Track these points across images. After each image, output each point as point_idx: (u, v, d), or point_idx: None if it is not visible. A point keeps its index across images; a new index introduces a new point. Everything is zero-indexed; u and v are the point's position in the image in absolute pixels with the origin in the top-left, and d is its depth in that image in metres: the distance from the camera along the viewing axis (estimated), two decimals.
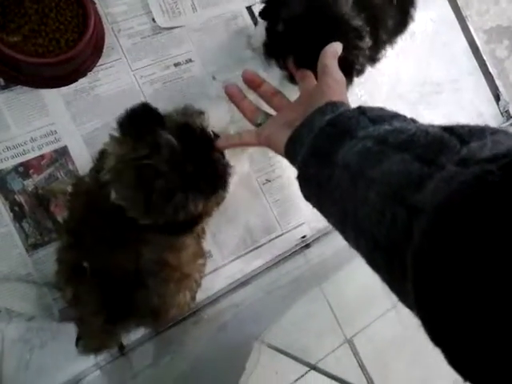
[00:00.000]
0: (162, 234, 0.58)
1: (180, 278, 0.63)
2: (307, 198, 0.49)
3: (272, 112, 0.63)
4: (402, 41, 0.84)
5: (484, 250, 0.23)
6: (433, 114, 0.96)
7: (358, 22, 0.63)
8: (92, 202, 0.57)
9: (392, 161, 0.36)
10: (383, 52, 0.78)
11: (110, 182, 0.55)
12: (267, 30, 0.73)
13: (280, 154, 0.57)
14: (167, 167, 0.54)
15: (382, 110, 0.47)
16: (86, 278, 0.57)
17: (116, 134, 0.58)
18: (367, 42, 0.69)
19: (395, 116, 0.45)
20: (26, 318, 0.63)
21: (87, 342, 0.60)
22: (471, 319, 0.23)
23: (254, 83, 0.62)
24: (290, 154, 0.53)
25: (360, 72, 0.78)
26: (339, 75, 0.56)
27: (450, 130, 0.35)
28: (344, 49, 0.62)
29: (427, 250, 0.27)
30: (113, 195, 0.54)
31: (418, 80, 0.97)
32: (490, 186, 0.24)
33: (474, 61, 1.03)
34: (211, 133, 0.61)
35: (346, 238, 0.43)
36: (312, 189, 0.48)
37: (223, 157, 0.61)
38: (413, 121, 0.44)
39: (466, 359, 0.24)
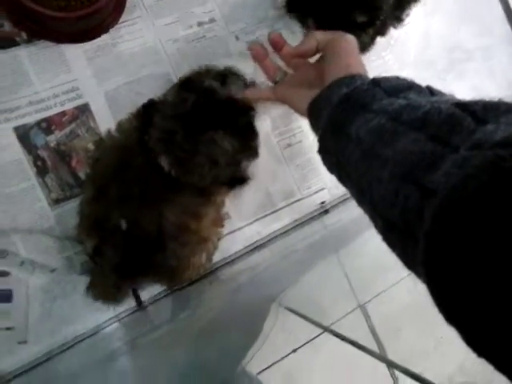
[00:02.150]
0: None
1: (198, 241, 0.64)
2: (330, 170, 0.51)
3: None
4: (435, 3, 0.81)
5: (494, 235, 0.23)
6: (462, 83, 0.93)
7: None
8: (124, 158, 0.58)
9: (406, 140, 0.36)
10: (408, 12, 0.76)
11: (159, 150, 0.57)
12: None
13: (294, 110, 0.59)
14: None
15: (397, 79, 0.47)
16: (110, 233, 0.58)
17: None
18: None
19: (411, 87, 0.45)
20: (48, 270, 0.65)
21: (96, 292, 0.62)
22: (482, 299, 0.24)
23: (278, 45, 0.63)
24: (311, 126, 0.55)
25: (382, 32, 0.76)
26: (350, 36, 0.57)
27: (463, 106, 0.34)
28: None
29: (438, 234, 0.27)
30: (165, 164, 0.57)
31: (447, 45, 0.93)
32: (503, 172, 0.24)
33: (509, 28, 0.99)
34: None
35: (365, 212, 0.43)
36: (332, 162, 0.49)
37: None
38: (430, 90, 0.43)
39: (479, 336, 0.25)
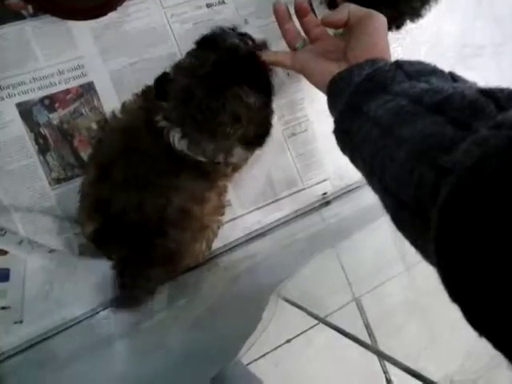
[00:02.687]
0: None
1: (199, 228, 0.63)
2: (343, 150, 0.50)
3: None
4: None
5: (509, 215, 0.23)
6: (470, 76, 0.91)
7: None
8: (130, 140, 0.57)
9: (425, 122, 0.35)
10: (428, 7, 0.75)
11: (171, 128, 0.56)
12: None
13: (311, 81, 0.58)
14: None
15: (420, 63, 0.46)
16: (111, 216, 0.57)
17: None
18: None
19: (434, 71, 0.44)
20: (47, 250, 0.64)
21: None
22: (491, 277, 0.24)
23: (303, 11, 0.62)
24: (329, 105, 0.54)
25: (398, 27, 0.75)
26: (383, 17, 0.55)
27: (487, 93, 0.34)
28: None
29: (453, 209, 0.27)
30: (175, 141, 0.55)
31: (459, 41, 0.92)
32: None
33: None
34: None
35: (374, 192, 0.43)
36: (346, 142, 0.48)
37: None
38: (452, 76, 0.43)
39: (484, 315, 0.25)
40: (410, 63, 0.46)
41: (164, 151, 0.56)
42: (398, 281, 0.87)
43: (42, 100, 0.66)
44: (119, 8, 0.70)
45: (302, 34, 0.64)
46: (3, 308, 0.62)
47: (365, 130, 0.43)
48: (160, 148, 0.56)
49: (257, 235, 0.78)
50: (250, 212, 0.78)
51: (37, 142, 0.65)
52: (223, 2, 0.77)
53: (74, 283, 0.65)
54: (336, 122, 0.49)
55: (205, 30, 0.74)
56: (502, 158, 0.25)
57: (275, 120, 0.78)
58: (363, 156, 0.44)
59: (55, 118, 0.66)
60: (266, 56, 0.61)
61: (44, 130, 0.65)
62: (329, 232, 0.80)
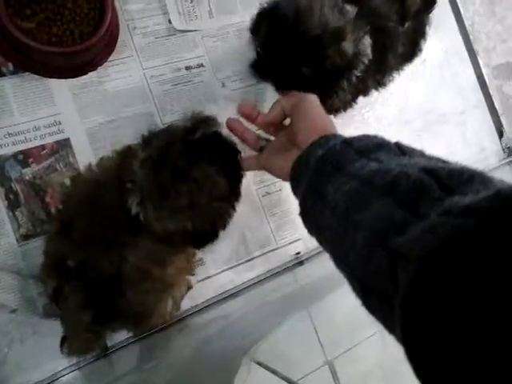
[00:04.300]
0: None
1: (163, 288, 0.61)
2: (309, 232, 0.52)
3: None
4: (414, 66, 0.85)
5: (467, 301, 0.25)
6: (436, 143, 0.96)
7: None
8: (96, 193, 0.56)
9: (376, 205, 0.38)
10: (390, 77, 0.79)
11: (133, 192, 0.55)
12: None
13: (277, 177, 0.62)
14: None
15: (367, 138, 0.49)
16: (70, 274, 0.55)
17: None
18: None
19: (381, 145, 0.47)
20: (8, 310, 0.61)
21: (72, 343, 0.58)
22: (459, 366, 0.24)
23: (249, 117, 0.66)
24: (293, 192, 0.56)
25: (364, 92, 0.78)
26: (312, 95, 0.59)
27: (429, 171, 0.36)
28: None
29: (414, 300, 0.28)
30: (133, 205, 0.55)
31: (424, 108, 0.97)
32: (473, 241, 0.26)
33: (481, 95, 1.04)
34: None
35: (342, 274, 0.44)
36: (311, 226, 0.50)
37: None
38: (399, 148, 0.46)
39: None
40: (358, 139, 0.48)
41: (125, 211, 0.56)
42: (371, 343, 0.86)
43: (15, 155, 0.65)
44: (99, 68, 0.71)
45: (263, 132, 0.67)
46: None
47: (326, 216, 0.44)
48: (122, 207, 0.55)
49: (229, 295, 0.76)
50: (223, 271, 0.77)
51: (7, 197, 0.64)
52: (202, 65, 0.80)
53: (35, 346, 0.62)
54: (300, 205, 0.51)
55: (183, 92, 0.77)
56: (454, 249, 0.26)
57: (250, 178, 0.79)
58: (328, 240, 0.45)
59: (28, 173, 0.65)
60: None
61: (15, 186, 0.64)
62: (302, 293, 0.79)
